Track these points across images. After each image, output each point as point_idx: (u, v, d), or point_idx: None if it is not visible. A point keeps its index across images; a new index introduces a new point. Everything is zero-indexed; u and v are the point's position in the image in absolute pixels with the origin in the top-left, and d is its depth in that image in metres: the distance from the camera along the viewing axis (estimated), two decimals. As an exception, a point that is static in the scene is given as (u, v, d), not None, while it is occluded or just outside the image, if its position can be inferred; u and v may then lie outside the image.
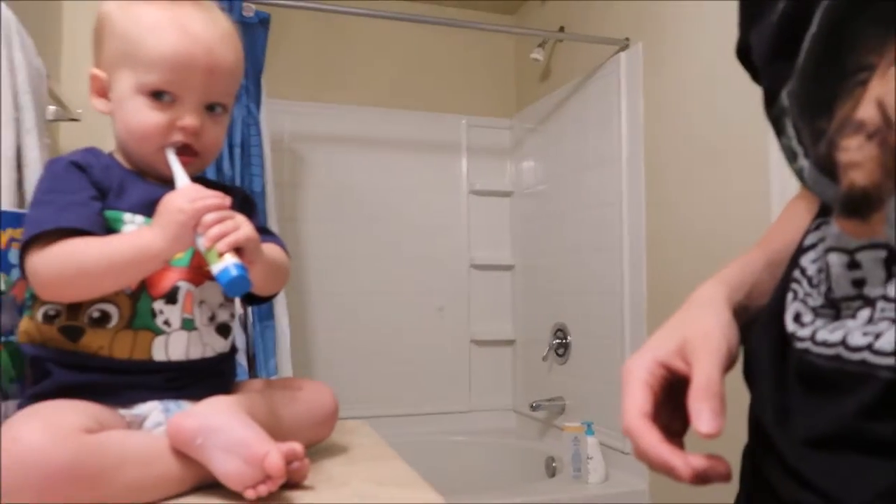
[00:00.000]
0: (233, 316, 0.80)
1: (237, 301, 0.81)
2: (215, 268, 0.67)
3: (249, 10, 2.15)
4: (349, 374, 2.77)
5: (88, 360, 0.70)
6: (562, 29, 2.71)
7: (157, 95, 0.74)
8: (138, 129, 0.75)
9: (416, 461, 0.78)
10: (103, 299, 0.70)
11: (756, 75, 0.55)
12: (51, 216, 0.68)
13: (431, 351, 2.98)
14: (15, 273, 0.77)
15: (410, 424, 2.84)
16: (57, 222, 0.68)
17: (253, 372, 2.04)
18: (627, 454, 2.25)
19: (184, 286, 0.73)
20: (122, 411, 0.69)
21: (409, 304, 2.95)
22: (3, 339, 0.76)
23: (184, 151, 0.76)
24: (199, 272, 0.75)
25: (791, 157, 0.49)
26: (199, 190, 0.70)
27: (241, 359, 2.04)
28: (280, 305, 2.14)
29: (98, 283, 0.69)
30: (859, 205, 0.41)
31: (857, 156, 0.41)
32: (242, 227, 0.69)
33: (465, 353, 3.05)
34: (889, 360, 0.38)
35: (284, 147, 2.78)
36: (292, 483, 0.66)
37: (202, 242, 0.68)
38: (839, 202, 0.42)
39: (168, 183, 0.75)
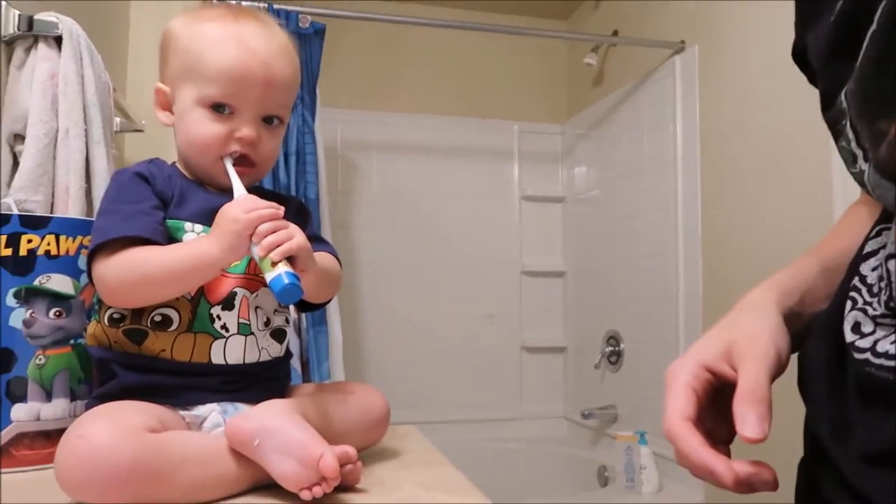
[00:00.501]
0: (288, 321, 0.82)
1: (292, 307, 0.83)
2: (268, 276, 0.69)
3: (305, 21, 2.20)
4: (400, 380, 2.79)
5: (151, 363, 0.72)
6: (615, 33, 2.68)
7: (216, 108, 0.77)
8: (198, 139, 0.78)
9: (466, 467, 0.79)
10: (165, 304, 0.73)
11: (813, 77, 0.53)
12: (116, 225, 0.71)
13: (482, 357, 2.97)
14: (84, 278, 0.80)
15: (461, 431, 2.84)
16: (122, 231, 0.71)
17: (306, 376, 2.08)
18: (682, 465, 2.21)
19: (240, 292, 0.76)
20: (182, 412, 0.72)
21: (460, 310, 2.96)
22: (72, 341, 0.80)
23: (240, 162, 0.78)
24: (254, 279, 0.77)
25: (850, 160, 0.46)
26: (255, 201, 0.72)
27: (295, 363, 2.08)
28: (333, 311, 2.18)
29: (159, 289, 0.71)
30: None
31: None
32: (295, 236, 0.71)
33: (515, 359, 3.03)
34: None
35: (338, 155, 2.83)
36: (346, 486, 0.67)
37: (257, 251, 0.70)
38: None
39: (226, 192, 0.77)
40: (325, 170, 2.27)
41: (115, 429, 0.60)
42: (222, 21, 0.78)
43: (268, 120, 0.80)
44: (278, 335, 0.80)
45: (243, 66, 0.76)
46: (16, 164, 1.03)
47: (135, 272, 0.70)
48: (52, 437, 0.75)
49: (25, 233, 0.77)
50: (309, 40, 2.22)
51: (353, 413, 0.79)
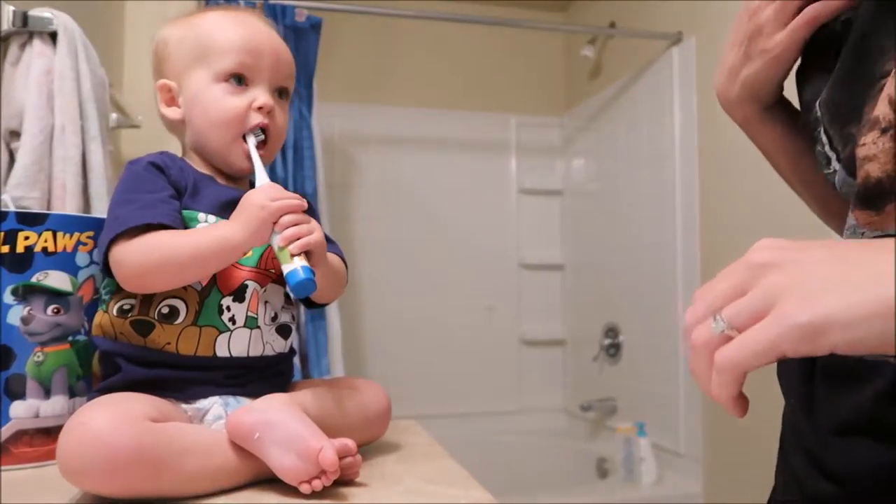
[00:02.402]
0: (294, 318, 0.83)
1: (300, 305, 0.84)
2: (285, 268, 0.70)
3: (301, 15, 2.19)
4: (400, 374, 2.79)
5: (156, 356, 0.73)
6: (612, 25, 2.67)
7: (234, 80, 0.79)
8: (218, 115, 0.79)
9: (467, 461, 0.79)
10: (173, 294, 0.73)
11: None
12: (136, 213, 0.71)
13: (481, 351, 2.98)
14: (82, 275, 0.80)
15: (460, 424, 2.85)
16: (143, 219, 0.71)
17: (306, 371, 2.08)
18: (681, 456, 2.21)
19: (251, 285, 0.76)
20: (185, 405, 0.72)
21: (458, 303, 2.96)
22: (70, 338, 0.80)
23: (259, 146, 0.80)
24: (265, 274, 0.77)
25: (825, 162, 0.51)
26: (280, 190, 0.74)
27: (295, 358, 2.08)
28: (332, 306, 2.18)
29: (181, 272, 0.71)
30: (873, 196, 0.42)
31: (872, 150, 0.43)
32: (315, 231, 0.73)
33: (514, 352, 3.04)
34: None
35: (335, 149, 2.82)
36: (346, 479, 0.67)
37: (277, 240, 0.71)
38: (855, 195, 0.44)
39: (239, 185, 0.80)
40: (323, 164, 2.27)
41: (116, 416, 0.60)
42: (218, 11, 0.84)
43: (280, 93, 0.83)
44: (284, 331, 0.80)
45: (253, 37, 0.81)
46: (12, 160, 1.02)
47: (157, 253, 0.70)
48: (51, 433, 0.76)
49: (22, 229, 0.77)
50: (305, 34, 2.21)
51: (354, 408, 0.79)
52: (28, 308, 0.77)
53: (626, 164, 2.61)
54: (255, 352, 0.76)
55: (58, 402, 0.78)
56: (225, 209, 0.77)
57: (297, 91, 2.17)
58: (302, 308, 2.07)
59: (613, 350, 2.63)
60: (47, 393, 0.77)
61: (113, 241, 0.71)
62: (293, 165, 2.14)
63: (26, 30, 1.05)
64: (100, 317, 0.77)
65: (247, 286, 0.76)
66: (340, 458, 0.64)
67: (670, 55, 2.31)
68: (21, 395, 0.76)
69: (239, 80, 0.80)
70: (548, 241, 3.12)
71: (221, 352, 0.74)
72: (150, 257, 0.70)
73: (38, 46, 1.06)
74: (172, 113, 0.82)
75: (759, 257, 0.37)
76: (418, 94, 2.98)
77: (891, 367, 0.39)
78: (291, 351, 0.83)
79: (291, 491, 0.64)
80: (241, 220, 0.72)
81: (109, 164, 1.16)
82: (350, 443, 0.67)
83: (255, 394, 0.74)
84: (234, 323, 0.75)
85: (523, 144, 3.10)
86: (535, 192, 3.09)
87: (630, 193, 2.58)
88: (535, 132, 3.12)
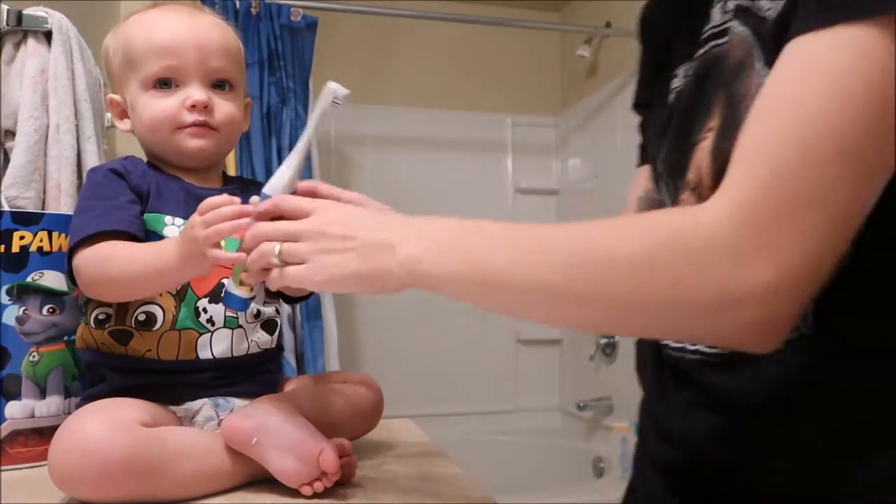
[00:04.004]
0: (278, 311, 0.82)
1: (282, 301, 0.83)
2: (229, 286, 0.67)
3: (297, 14, 2.19)
4: (396, 373, 2.79)
5: (138, 363, 0.72)
6: (608, 25, 2.67)
7: (160, 85, 0.76)
8: (151, 119, 0.77)
9: (462, 460, 0.79)
10: (148, 301, 0.72)
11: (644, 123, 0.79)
12: (93, 221, 0.71)
13: (477, 350, 2.98)
14: (77, 274, 0.80)
15: (456, 424, 2.84)
16: (98, 227, 0.70)
17: (301, 370, 2.08)
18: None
19: (227, 284, 0.75)
20: (173, 407, 0.72)
21: (454, 302, 2.94)
22: (65, 338, 0.79)
23: (200, 129, 0.77)
24: None
25: (667, 205, 0.66)
26: (225, 199, 0.66)
27: (290, 358, 2.08)
28: (328, 305, 2.18)
29: (131, 286, 0.70)
30: None
31: (688, 205, 0.58)
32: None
33: (511, 352, 3.04)
34: (694, 354, 0.58)
35: (332, 148, 2.82)
36: (342, 480, 0.67)
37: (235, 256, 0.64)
38: None
39: (208, 180, 0.80)
40: (319, 164, 2.27)
41: (108, 423, 0.60)
42: (145, 12, 0.80)
43: (217, 86, 0.79)
44: (269, 326, 0.80)
45: (171, 35, 0.76)
46: (6, 160, 1.02)
47: (110, 266, 0.69)
48: (46, 434, 0.75)
49: (18, 229, 0.77)
50: (301, 34, 2.21)
51: (347, 403, 0.79)
52: (23, 308, 0.77)
53: (623, 164, 2.61)
54: (240, 351, 0.76)
55: (53, 402, 0.78)
56: (192, 207, 0.74)
57: (293, 91, 2.17)
58: (298, 307, 2.08)
59: (609, 349, 2.64)
60: (43, 393, 0.77)
61: (73, 251, 0.71)
62: (289, 165, 2.13)
63: (21, 29, 1.04)
64: (81, 329, 0.77)
65: (223, 285, 0.74)
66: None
67: (666, 55, 2.31)
68: (16, 396, 0.76)
69: (165, 83, 0.76)
70: (544, 241, 3.11)
71: (204, 354, 0.73)
72: (101, 270, 0.69)
73: (32, 45, 1.05)
74: (124, 125, 0.81)
75: (330, 229, 0.59)
76: (414, 94, 2.98)
77: (712, 364, 0.56)
78: (279, 346, 0.83)
79: (287, 491, 0.64)
80: (178, 239, 0.67)
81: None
82: (346, 443, 0.67)
83: (243, 393, 0.74)
84: (213, 324, 0.74)
85: (519, 144, 3.10)
86: (531, 191, 3.09)
87: (626, 193, 2.58)
88: (531, 132, 3.12)
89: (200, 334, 0.73)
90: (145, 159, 0.83)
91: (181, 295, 0.73)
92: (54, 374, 0.78)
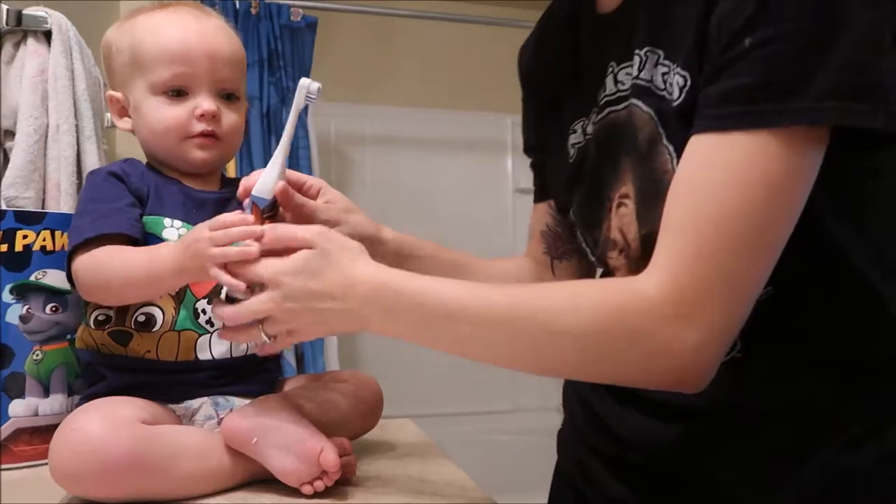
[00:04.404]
0: None
1: None
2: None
3: (297, 14, 2.19)
4: (395, 373, 2.77)
5: (138, 364, 0.72)
6: (607, 25, 2.67)
7: (171, 93, 0.76)
8: (159, 126, 0.77)
9: (462, 460, 0.79)
10: (148, 303, 0.72)
11: (538, 164, 0.96)
12: (90, 224, 0.71)
13: (477, 350, 2.97)
14: (79, 274, 0.80)
15: (456, 423, 2.85)
16: (97, 230, 0.70)
17: (301, 370, 2.09)
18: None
19: None
20: (173, 406, 0.72)
21: (454, 303, 2.95)
22: (69, 336, 0.80)
23: (206, 140, 0.77)
24: None
25: (584, 253, 0.78)
26: (237, 217, 0.66)
27: (290, 358, 2.08)
28: (328, 304, 2.17)
29: (123, 295, 0.71)
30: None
31: (616, 262, 0.69)
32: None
33: (510, 351, 3.04)
34: None
35: (331, 149, 2.82)
36: (342, 479, 0.67)
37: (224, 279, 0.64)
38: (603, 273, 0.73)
39: (207, 184, 0.79)
40: (319, 164, 2.27)
41: (109, 420, 0.60)
42: (153, 12, 0.79)
43: (225, 97, 0.79)
44: None
45: (184, 43, 0.76)
46: (6, 160, 1.02)
47: (106, 270, 0.69)
48: (50, 432, 0.74)
49: (21, 228, 0.77)
50: (301, 34, 2.21)
51: (346, 401, 0.79)
52: (27, 307, 0.77)
53: (622, 163, 2.62)
54: (239, 352, 0.76)
55: (56, 401, 0.78)
56: (190, 210, 0.76)
57: (293, 91, 2.16)
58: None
59: (609, 349, 2.64)
60: (46, 391, 0.77)
61: (72, 254, 0.71)
62: (289, 166, 2.13)
63: (20, 29, 1.05)
64: (81, 330, 0.77)
65: (222, 286, 0.73)
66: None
67: (665, 55, 2.31)
68: (20, 394, 0.76)
69: (177, 92, 0.76)
70: (543, 241, 3.11)
71: (203, 355, 0.74)
72: (98, 273, 0.70)
73: (32, 45, 1.06)
74: (124, 124, 0.81)
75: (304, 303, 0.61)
76: (414, 94, 2.97)
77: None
78: None
79: (287, 490, 0.65)
80: (177, 246, 0.68)
81: (104, 164, 1.16)
82: (346, 442, 0.67)
83: (242, 392, 0.74)
84: (212, 325, 0.74)
85: (519, 144, 3.08)
86: (530, 191, 3.07)
87: (625, 193, 2.58)
88: (530, 132, 3.12)
89: (200, 335, 0.73)
90: (144, 160, 0.83)
91: (180, 296, 0.73)
92: (58, 373, 0.78)
